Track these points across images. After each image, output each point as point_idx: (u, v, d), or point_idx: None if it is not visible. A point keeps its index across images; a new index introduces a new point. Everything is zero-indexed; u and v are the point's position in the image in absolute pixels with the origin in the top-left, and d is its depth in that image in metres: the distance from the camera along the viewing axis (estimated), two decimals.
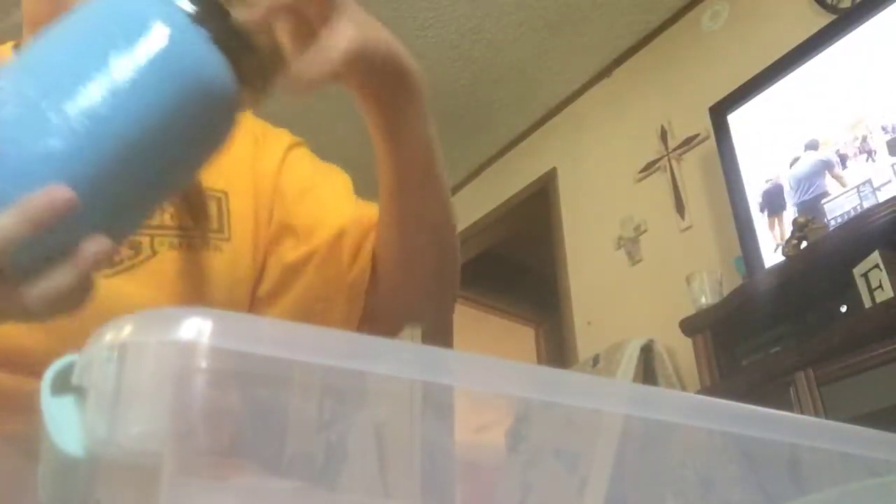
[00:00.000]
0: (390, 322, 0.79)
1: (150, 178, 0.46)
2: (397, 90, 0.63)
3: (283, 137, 0.81)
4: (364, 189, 0.77)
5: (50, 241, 0.42)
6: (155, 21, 0.45)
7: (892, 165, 1.89)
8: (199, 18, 0.47)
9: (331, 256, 0.74)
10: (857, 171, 1.96)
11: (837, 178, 2.02)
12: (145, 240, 0.66)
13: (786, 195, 2.15)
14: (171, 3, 0.46)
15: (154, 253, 0.66)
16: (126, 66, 0.44)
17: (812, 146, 2.11)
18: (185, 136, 0.47)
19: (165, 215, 0.68)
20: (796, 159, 2.14)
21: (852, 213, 1.91)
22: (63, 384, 0.32)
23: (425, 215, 0.70)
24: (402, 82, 0.63)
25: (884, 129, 1.93)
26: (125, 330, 0.29)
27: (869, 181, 1.93)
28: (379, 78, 0.61)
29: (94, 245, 0.42)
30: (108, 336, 0.29)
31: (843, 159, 2.00)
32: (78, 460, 0.30)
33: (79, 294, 0.44)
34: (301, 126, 0.84)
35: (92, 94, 0.43)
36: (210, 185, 0.72)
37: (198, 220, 0.69)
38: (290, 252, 0.74)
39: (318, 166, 0.81)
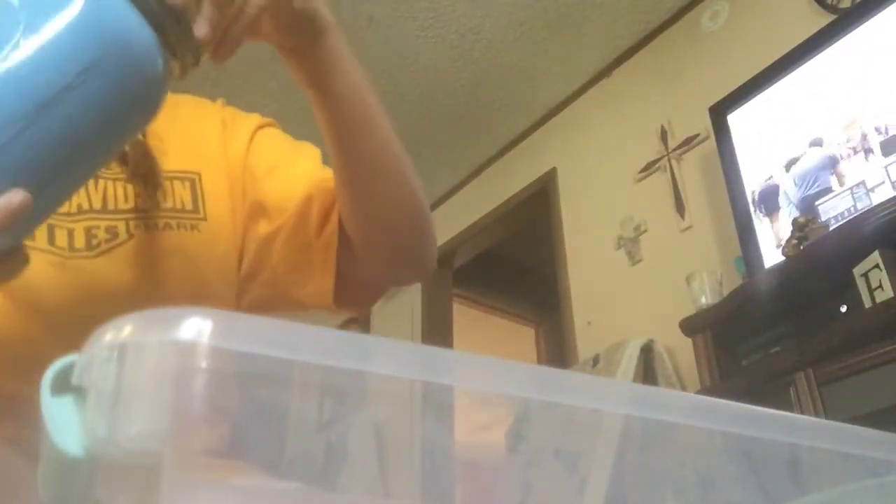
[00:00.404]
0: (372, 286, 0.81)
1: (72, 137, 0.47)
2: (315, 37, 0.63)
3: (252, 119, 0.82)
4: None
5: None
6: None
7: (886, 167, 1.90)
8: None
9: (299, 225, 0.74)
10: (852, 171, 1.96)
11: (839, 176, 2.02)
12: (121, 224, 0.68)
13: (781, 195, 2.15)
14: None
15: (131, 236, 0.68)
16: (46, 22, 0.45)
17: (817, 143, 2.10)
18: (109, 95, 0.48)
19: (139, 199, 0.69)
20: (794, 160, 2.15)
21: (846, 215, 1.92)
22: (63, 384, 0.32)
23: (373, 161, 0.70)
24: (315, 28, 0.63)
25: (877, 129, 1.93)
26: (125, 330, 0.29)
27: (863, 182, 1.94)
28: (295, 28, 0.62)
29: (9, 196, 0.44)
30: (108, 336, 0.29)
31: (840, 159, 2.01)
32: (78, 460, 0.30)
33: (9, 259, 0.46)
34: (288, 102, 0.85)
35: (9, 49, 0.44)
36: (182, 167, 0.73)
37: (155, 202, 0.70)
38: (263, 229, 0.75)
39: (288, 143, 0.82)
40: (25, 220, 0.46)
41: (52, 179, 0.48)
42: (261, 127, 0.81)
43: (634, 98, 2.97)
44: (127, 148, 0.69)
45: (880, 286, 1.58)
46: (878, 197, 1.85)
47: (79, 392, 0.32)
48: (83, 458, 0.30)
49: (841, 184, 2.00)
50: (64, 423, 0.31)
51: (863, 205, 1.89)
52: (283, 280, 0.76)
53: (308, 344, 0.30)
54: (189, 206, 0.72)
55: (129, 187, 0.70)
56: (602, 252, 2.88)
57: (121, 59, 0.48)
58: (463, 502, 0.35)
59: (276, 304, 0.77)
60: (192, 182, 0.73)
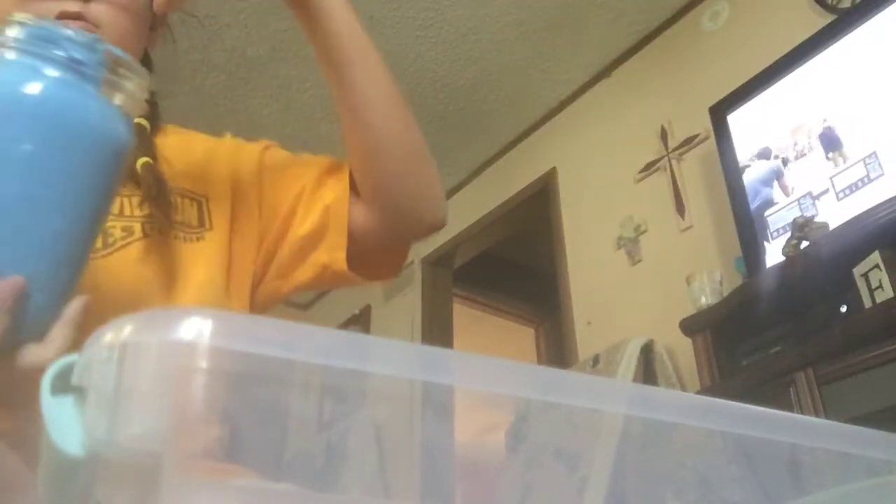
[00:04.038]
0: (390, 248, 0.88)
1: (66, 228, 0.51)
2: None
3: (259, 142, 0.90)
4: None
5: None
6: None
7: (831, 179, 1.95)
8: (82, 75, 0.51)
9: (315, 190, 0.83)
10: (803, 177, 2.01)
11: (783, 187, 2.09)
12: (136, 224, 0.73)
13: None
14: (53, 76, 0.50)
15: (146, 234, 0.73)
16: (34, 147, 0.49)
17: (764, 155, 2.15)
18: (85, 185, 0.52)
19: (152, 211, 0.75)
20: (746, 167, 2.20)
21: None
22: (63, 384, 0.32)
23: (368, 92, 0.78)
24: None
25: (822, 133, 1.97)
26: (125, 330, 0.29)
27: (809, 193, 2.00)
28: None
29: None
30: (108, 336, 0.29)
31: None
32: (78, 460, 0.30)
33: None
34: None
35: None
36: (191, 188, 0.81)
37: (167, 215, 0.76)
38: (277, 222, 0.83)
39: (293, 155, 0.90)
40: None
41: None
42: (267, 147, 0.89)
43: (634, 98, 2.97)
44: (139, 171, 0.75)
45: (880, 286, 1.58)
46: (823, 206, 1.95)
47: (79, 392, 0.31)
48: (83, 458, 0.30)
49: (786, 194, 2.07)
50: (64, 423, 0.31)
51: (809, 214, 1.97)
52: (296, 248, 0.82)
53: (308, 344, 0.30)
54: (195, 223, 0.78)
55: (142, 201, 0.75)
56: (602, 252, 2.88)
57: (102, 151, 0.52)
58: (463, 502, 0.35)
59: (296, 277, 0.83)
60: (200, 203, 0.80)
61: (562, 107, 3.33)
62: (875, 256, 1.61)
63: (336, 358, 0.30)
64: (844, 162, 1.94)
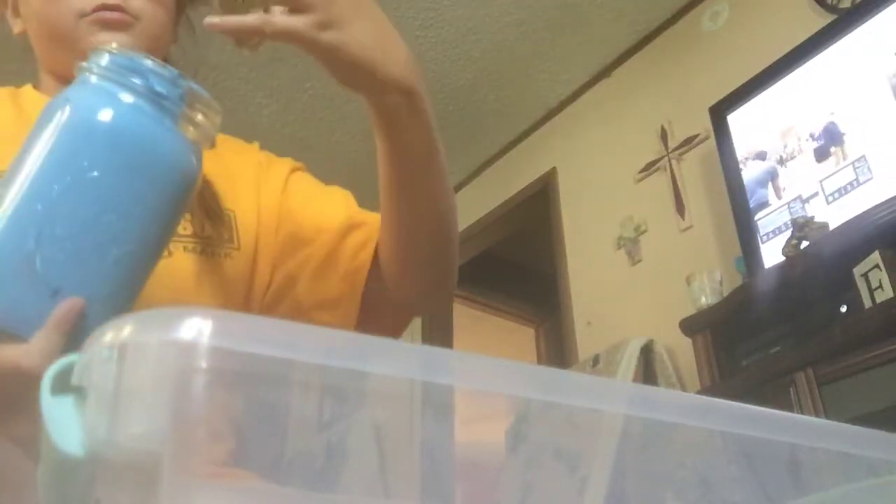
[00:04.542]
0: (399, 315, 0.86)
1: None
2: (394, 102, 0.64)
3: (286, 162, 0.88)
4: (366, 195, 0.80)
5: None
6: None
7: (821, 182, 1.96)
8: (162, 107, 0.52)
9: (332, 255, 0.80)
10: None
11: (777, 188, 2.10)
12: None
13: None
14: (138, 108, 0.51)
15: (170, 254, 0.72)
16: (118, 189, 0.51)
17: (761, 156, 2.15)
18: (163, 211, 0.54)
19: (180, 226, 0.74)
20: (743, 168, 2.21)
21: (784, 229, 1.98)
22: (63, 384, 0.32)
23: (422, 210, 0.73)
24: (399, 97, 0.63)
25: (812, 136, 1.97)
26: (125, 330, 0.29)
27: (800, 196, 2.01)
28: (366, 86, 0.62)
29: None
30: (108, 336, 0.29)
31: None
32: (78, 460, 0.30)
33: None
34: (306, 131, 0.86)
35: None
36: (223, 203, 0.79)
37: (217, 230, 0.76)
38: (293, 260, 0.81)
39: (320, 184, 0.88)
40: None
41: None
42: (294, 170, 0.87)
43: (634, 98, 2.97)
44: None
45: (880, 286, 1.58)
46: (813, 209, 1.97)
47: (79, 392, 0.32)
48: (83, 458, 0.30)
49: (778, 196, 2.08)
50: (64, 423, 0.31)
51: (799, 216, 1.98)
52: (308, 305, 0.81)
53: (308, 344, 0.30)
54: (226, 236, 0.78)
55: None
56: (602, 252, 2.88)
57: (173, 180, 0.54)
58: (463, 502, 0.35)
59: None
60: (229, 217, 0.80)
61: (562, 107, 3.33)
62: (875, 256, 1.61)
63: (336, 358, 0.30)
64: (844, 160, 1.94)
